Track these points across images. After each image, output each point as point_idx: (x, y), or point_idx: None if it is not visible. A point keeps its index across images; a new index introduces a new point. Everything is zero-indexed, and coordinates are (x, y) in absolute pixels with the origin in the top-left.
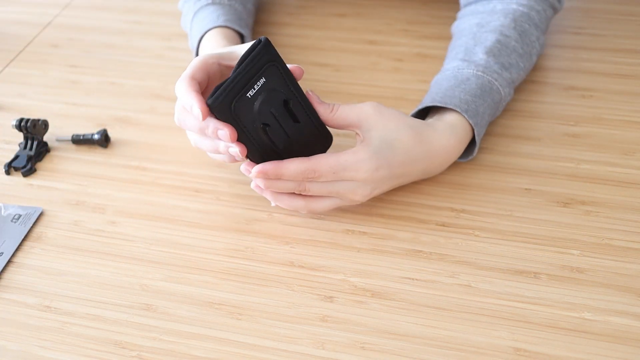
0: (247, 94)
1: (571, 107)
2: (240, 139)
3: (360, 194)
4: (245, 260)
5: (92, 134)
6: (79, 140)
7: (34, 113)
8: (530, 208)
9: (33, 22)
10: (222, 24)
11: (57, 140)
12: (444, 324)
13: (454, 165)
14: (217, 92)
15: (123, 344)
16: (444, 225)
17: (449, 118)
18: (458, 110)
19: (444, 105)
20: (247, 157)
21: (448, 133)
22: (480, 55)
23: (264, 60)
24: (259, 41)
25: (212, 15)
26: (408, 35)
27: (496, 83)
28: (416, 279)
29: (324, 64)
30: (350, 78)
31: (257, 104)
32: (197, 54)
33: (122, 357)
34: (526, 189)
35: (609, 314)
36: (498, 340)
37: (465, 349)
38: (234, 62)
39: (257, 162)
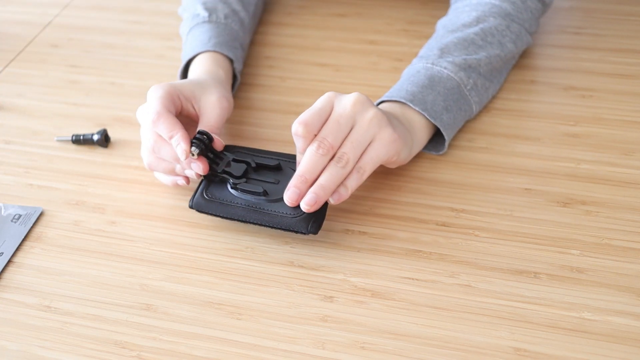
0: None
1: (571, 107)
2: (231, 213)
3: (377, 124)
4: (245, 260)
5: (92, 134)
6: (79, 140)
7: (34, 113)
8: (530, 208)
9: (33, 22)
10: (212, 48)
11: (57, 140)
12: (444, 324)
13: (454, 165)
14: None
15: (123, 344)
16: (444, 225)
17: (397, 108)
18: (403, 101)
19: (390, 99)
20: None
21: (399, 119)
22: (434, 51)
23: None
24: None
25: (203, 36)
26: (408, 35)
27: (445, 71)
28: (416, 279)
29: (324, 64)
30: (350, 78)
31: (228, 182)
32: (183, 74)
33: (122, 357)
34: (526, 189)
35: (609, 314)
36: (498, 340)
37: (465, 349)
38: (192, 98)
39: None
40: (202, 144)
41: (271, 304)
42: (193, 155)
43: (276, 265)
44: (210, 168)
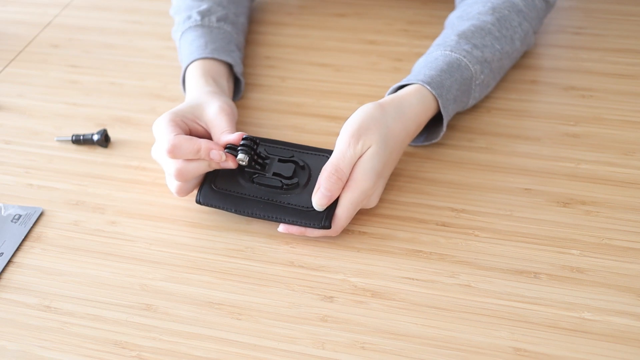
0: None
1: (571, 107)
2: (244, 205)
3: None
4: (245, 260)
5: (92, 134)
6: (79, 140)
7: (34, 113)
8: (530, 208)
9: (33, 22)
10: (209, 55)
11: (57, 140)
12: (444, 324)
13: (454, 165)
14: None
15: (123, 344)
16: (444, 225)
17: (412, 90)
18: (420, 83)
19: (408, 82)
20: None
21: (409, 99)
22: (452, 38)
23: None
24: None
25: (199, 41)
26: (408, 35)
27: (464, 60)
28: (416, 279)
29: (324, 64)
30: (350, 78)
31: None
32: (184, 80)
33: (122, 357)
34: (526, 189)
35: (609, 314)
36: (498, 340)
37: (465, 349)
38: (194, 117)
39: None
40: (250, 150)
41: (271, 304)
42: (243, 162)
43: (276, 265)
44: (259, 172)
